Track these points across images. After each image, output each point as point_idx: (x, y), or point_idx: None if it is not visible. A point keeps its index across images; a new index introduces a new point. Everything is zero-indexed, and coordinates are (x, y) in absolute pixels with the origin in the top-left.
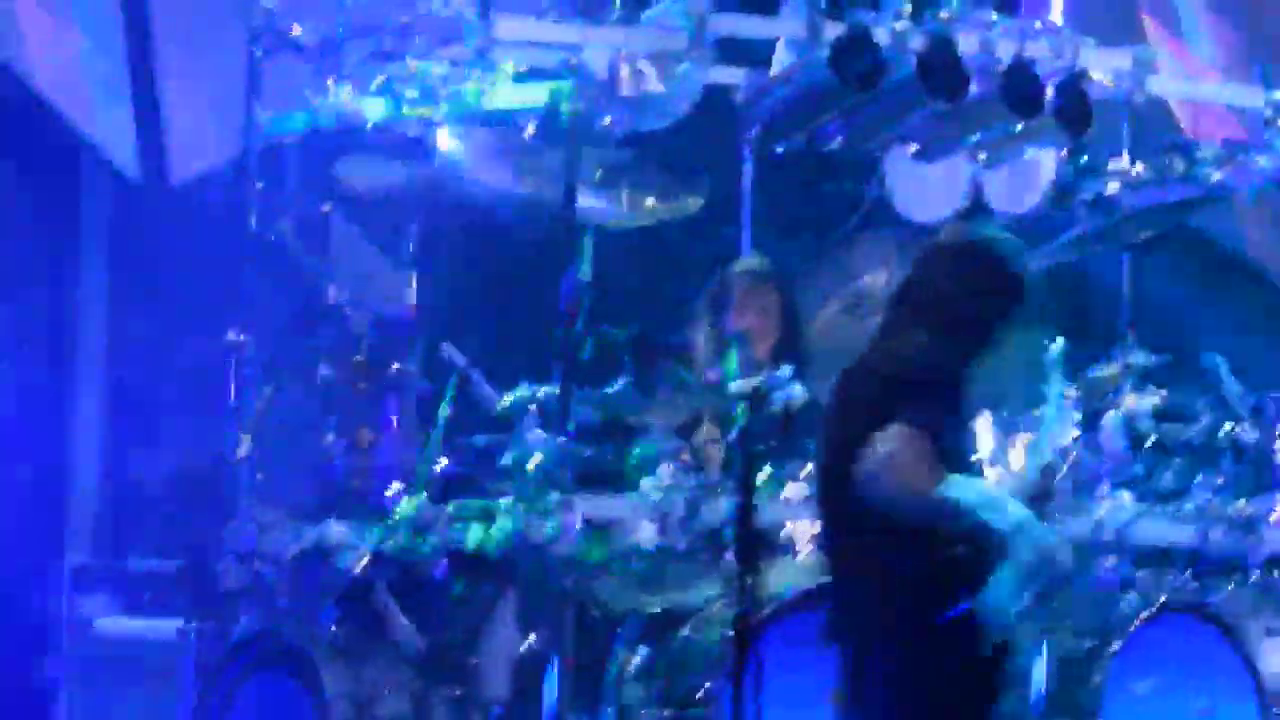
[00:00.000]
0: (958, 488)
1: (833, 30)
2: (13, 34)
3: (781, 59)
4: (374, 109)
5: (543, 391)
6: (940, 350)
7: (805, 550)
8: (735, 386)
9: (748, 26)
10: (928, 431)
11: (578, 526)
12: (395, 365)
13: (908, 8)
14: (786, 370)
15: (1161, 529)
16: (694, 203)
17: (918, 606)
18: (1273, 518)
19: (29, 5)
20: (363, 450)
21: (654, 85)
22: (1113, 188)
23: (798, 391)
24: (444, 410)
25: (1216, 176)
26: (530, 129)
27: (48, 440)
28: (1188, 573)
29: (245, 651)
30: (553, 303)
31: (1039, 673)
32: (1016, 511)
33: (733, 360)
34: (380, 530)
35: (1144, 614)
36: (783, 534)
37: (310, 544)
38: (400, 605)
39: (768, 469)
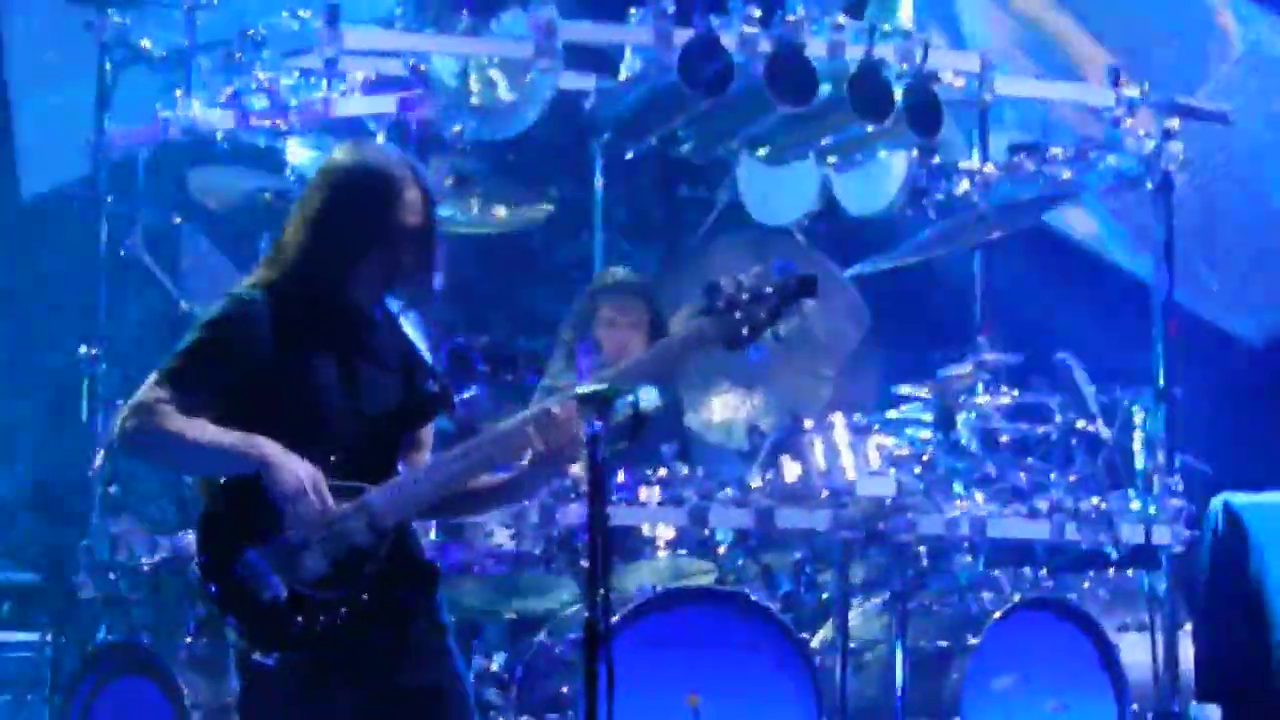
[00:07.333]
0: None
1: (681, 36)
2: None
3: (630, 65)
4: (223, 120)
5: None
6: None
7: (660, 552)
8: (581, 390)
9: (596, 34)
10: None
11: (432, 534)
12: None
13: (756, 12)
14: None
15: (1016, 526)
16: (545, 210)
17: None
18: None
19: None
20: None
21: (504, 93)
22: (964, 187)
23: (650, 396)
24: None
25: (1067, 175)
26: (380, 138)
27: None
28: (1044, 569)
29: (104, 661)
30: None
31: (898, 669)
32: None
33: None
34: None
35: (1000, 610)
36: (637, 537)
37: (167, 554)
38: None
39: (620, 473)
